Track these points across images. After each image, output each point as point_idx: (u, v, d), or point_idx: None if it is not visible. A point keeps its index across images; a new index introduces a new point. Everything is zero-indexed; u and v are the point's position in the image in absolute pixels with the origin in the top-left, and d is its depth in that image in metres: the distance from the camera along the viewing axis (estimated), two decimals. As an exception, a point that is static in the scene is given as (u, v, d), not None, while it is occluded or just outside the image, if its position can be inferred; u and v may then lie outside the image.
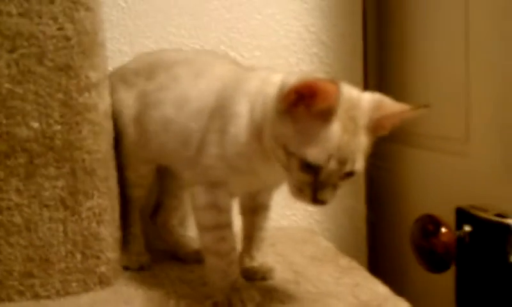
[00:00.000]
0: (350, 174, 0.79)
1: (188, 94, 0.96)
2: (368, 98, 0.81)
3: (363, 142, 0.78)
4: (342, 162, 0.76)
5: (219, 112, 0.90)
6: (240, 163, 0.87)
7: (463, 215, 1.05)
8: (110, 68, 1.09)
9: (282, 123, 0.78)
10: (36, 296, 0.95)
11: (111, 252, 1.01)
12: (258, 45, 1.31)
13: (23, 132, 0.93)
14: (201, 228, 0.91)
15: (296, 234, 1.30)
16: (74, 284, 0.97)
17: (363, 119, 0.78)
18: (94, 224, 0.98)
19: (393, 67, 1.42)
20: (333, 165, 0.76)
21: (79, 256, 0.97)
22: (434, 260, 1.07)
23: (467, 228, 1.04)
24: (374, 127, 0.80)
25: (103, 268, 0.99)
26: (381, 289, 0.96)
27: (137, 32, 1.24)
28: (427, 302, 1.21)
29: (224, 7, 1.30)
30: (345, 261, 1.10)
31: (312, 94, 0.74)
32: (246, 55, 1.30)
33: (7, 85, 0.91)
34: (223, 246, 0.90)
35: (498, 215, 1.01)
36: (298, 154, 0.76)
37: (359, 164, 0.78)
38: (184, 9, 1.27)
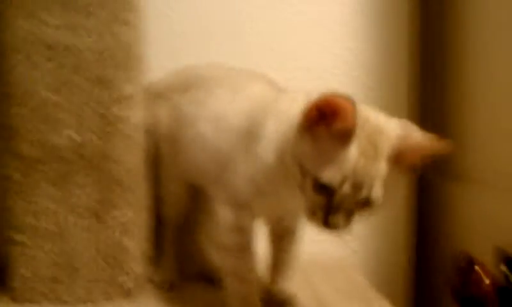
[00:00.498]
0: (367, 202, 0.75)
1: (224, 112, 0.95)
2: (394, 126, 0.77)
3: (382, 169, 0.74)
4: (357, 186, 0.73)
5: (249, 132, 0.89)
6: (265, 184, 0.86)
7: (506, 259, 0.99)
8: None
9: (302, 140, 0.76)
10: (60, 301, 0.97)
11: (135, 264, 1.02)
12: (298, 66, 1.30)
13: (57, 140, 0.96)
14: (223, 248, 0.90)
15: (328, 263, 1.26)
16: (97, 293, 0.98)
17: (386, 147, 0.74)
18: (118, 234, 0.99)
19: (441, 93, 1.36)
20: (347, 188, 0.73)
21: (104, 265, 0.99)
22: (469, 302, 1.00)
23: (502, 268, 0.98)
24: (398, 157, 0.75)
25: (126, 279, 1.00)
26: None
27: (179, 48, 1.26)
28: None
29: (267, 29, 1.29)
30: (373, 295, 1.05)
31: (333, 113, 0.72)
32: (287, 76, 1.28)
33: (44, 93, 0.95)
34: (243, 268, 0.88)
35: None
36: (312, 173, 0.74)
37: (376, 192, 0.74)
38: (227, 28, 1.28)
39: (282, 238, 1.00)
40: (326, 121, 0.74)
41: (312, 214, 0.76)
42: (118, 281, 0.99)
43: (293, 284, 1.03)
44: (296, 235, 1.01)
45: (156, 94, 1.09)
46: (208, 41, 1.27)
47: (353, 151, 0.73)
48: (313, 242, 1.30)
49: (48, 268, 0.97)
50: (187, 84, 1.05)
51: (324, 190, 0.74)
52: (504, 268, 0.98)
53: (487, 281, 0.93)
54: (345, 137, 0.73)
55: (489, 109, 1.17)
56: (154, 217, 1.10)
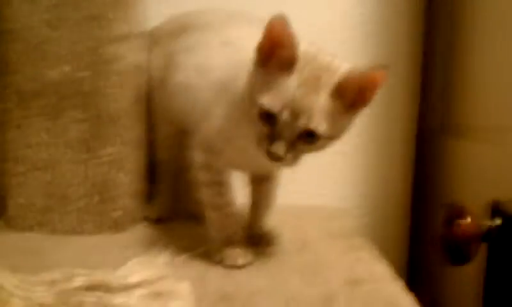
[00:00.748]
0: (309, 134, 0.77)
1: (210, 63, 0.97)
2: (342, 66, 0.79)
3: (323, 102, 0.76)
4: (296, 114, 0.76)
5: (226, 85, 0.91)
6: (234, 134, 0.89)
7: (497, 209, 1.00)
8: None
9: (255, 74, 0.80)
10: (52, 229, 1.02)
11: (128, 199, 1.05)
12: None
13: (53, 75, 0.99)
14: (200, 184, 0.93)
15: (324, 211, 1.28)
16: (89, 224, 1.03)
17: (329, 82, 0.77)
18: (113, 170, 1.03)
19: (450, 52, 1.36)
20: (286, 116, 0.76)
21: (96, 198, 1.02)
22: (452, 250, 1.02)
23: (497, 221, 0.99)
24: (342, 93, 0.77)
25: (118, 213, 1.04)
26: (379, 268, 0.93)
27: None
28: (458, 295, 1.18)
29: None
30: (359, 240, 1.07)
31: (277, 41, 0.76)
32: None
33: (41, 29, 0.98)
34: (219, 200, 0.92)
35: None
36: (256, 101, 0.78)
37: (317, 123, 0.76)
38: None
39: (261, 183, 1.03)
40: (272, 51, 0.77)
41: (258, 144, 0.80)
42: (109, 214, 1.03)
43: (281, 226, 1.06)
44: (274, 182, 1.03)
45: (153, 40, 1.11)
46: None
47: (294, 80, 0.76)
48: (313, 195, 1.35)
49: (42, 198, 1.01)
50: (180, 30, 1.06)
51: (268, 119, 0.77)
52: (497, 221, 1.00)
53: (464, 222, 0.95)
54: (287, 66, 0.76)
55: (485, 65, 1.17)
56: (149, 156, 1.13)
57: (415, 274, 1.40)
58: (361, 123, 1.28)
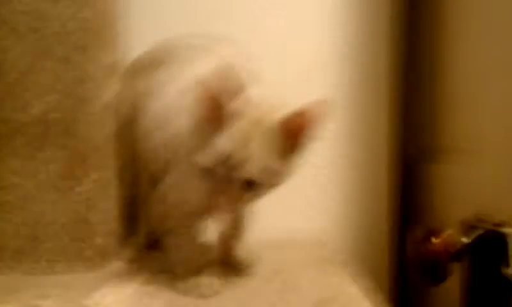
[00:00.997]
0: (250, 183, 0.80)
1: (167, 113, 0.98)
2: (280, 110, 0.82)
3: (261, 150, 0.79)
4: (232, 167, 0.78)
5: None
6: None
7: (467, 227, 1.01)
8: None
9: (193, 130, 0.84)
10: (25, 273, 1.01)
11: (99, 238, 1.05)
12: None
13: (23, 116, 1.01)
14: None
15: (302, 242, 1.28)
16: (60, 265, 1.02)
17: (266, 128, 0.80)
18: (82, 209, 1.03)
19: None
20: (222, 170, 0.79)
21: (66, 238, 1.03)
22: (424, 271, 1.02)
23: (464, 240, 1.00)
24: (280, 136, 0.80)
25: (88, 252, 1.04)
26: (350, 289, 0.93)
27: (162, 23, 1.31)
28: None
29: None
30: (333, 266, 1.07)
31: (213, 102, 0.79)
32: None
33: (11, 73, 1.00)
34: (187, 232, 0.94)
35: (497, 224, 0.96)
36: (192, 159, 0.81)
37: (256, 173, 0.79)
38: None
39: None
40: (208, 109, 0.80)
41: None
42: (81, 254, 1.03)
43: (256, 257, 1.06)
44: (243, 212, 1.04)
45: (126, 73, 1.13)
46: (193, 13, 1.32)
47: (229, 135, 0.79)
48: (292, 227, 1.35)
49: (14, 240, 1.01)
50: (150, 66, 1.09)
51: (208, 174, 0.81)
52: (464, 239, 1.00)
53: (435, 241, 0.96)
54: (223, 122, 0.79)
55: (468, 83, 1.20)
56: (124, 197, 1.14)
57: (406, 299, 1.38)
58: (341, 152, 1.33)
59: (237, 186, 0.80)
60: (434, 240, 1.00)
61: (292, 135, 0.80)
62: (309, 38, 1.35)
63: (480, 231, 0.97)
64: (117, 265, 1.07)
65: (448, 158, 1.24)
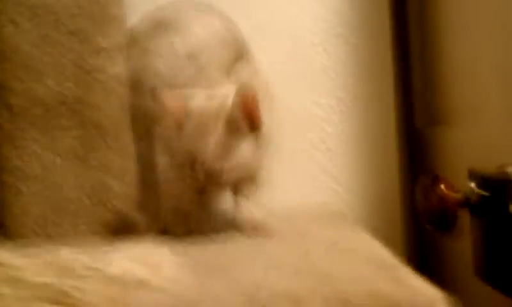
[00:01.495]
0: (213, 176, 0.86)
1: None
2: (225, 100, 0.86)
3: (215, 142, 0.84)
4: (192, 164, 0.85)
5: None
6: None
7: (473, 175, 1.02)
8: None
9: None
10: (49, 236, 1.06)
11: (119, 202, 1.10)
12: (280, 28, 1.37)
13: (40, 89, 1.07)
14: None
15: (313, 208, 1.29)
16: (82, 229, 1.07)
17: (216, 123, 0.85)
18: (101, 174, 1.08)
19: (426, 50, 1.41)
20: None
21: (87, 202, 1.07)
22: (432, 219, 1.04)
23: (472, 184, 1.01)
24: (230, 125, 0.85)
25: (109, 216, 1.08)
26: (362, 236, 0.95)
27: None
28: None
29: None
30: (346, 223, 1.10)
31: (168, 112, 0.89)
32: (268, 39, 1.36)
33: (27, 48, 1.06)
34: None
35: (502, 166, 0.97)
36: None
37: (215, 164, 0.84)
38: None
39: None
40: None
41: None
42: (102, 218, 1.08)
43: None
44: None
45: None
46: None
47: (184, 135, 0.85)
48: (304, 194, 1.38)
49: (37, 207, 1.06)
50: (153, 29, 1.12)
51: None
52: (472, 184, 1.01)
53: (450, 194, 0.96)
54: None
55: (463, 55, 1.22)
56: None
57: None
58: (347, 124, 1.36)
59: (201, 179, 0.85)
60: (441, 186, 1.02)
61: (247, 117, 0.86)
62: (305, 20, 1.39)
63: (485, 175, 0.99)
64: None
65: (454, 119, 1.26)
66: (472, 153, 1.16)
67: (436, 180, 1.04)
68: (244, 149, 0.87)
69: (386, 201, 1.39)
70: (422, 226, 1.36)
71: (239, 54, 1.06)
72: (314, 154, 1.37)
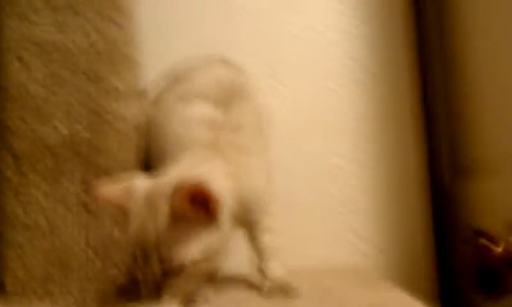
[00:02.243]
0: (170, 267, 0.77)
1: None
2: (164, 185, 0.79)
3: (163, 232, 0.76)
4: (145, 257, 0.76)
5: None
6: None
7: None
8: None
9: None
10: (55, 303, 0.94)
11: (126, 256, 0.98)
12: (298, 71, 1.30)
13: (47, 134, 0.96)
14: None
15: (342, 270, 1.20)
16: (93, 295, 0.95)
17: (161, 208, 0.76)
18: (108, 226, 0.97)
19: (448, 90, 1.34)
20: (140, 261, 0.77)
21: (98, 265, 0.96)
22: (485, 279, 0.95)
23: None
24: (177, 213, 0.77)
25: (116, 272, 0.96)
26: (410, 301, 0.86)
27: (174, 43, 1.28)
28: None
29: (263, 36, 1.31)
30: (384, 285, 1.00)
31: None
32: (285, 82, 1.28)
33: (34, 88, 0.96)
34: None
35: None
36: None
37: (170, 255, 0.76)
38: (222, 36, 1.29)
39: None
40: None
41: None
42: (113, 281, 0.96)
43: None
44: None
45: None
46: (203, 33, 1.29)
47: (131, 227, 0.78)
48: (328, 257, 1.29)
49: (40, 266, 0.95)
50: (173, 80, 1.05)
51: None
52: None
53: (496, 249, 0.88)
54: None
55: (494, 99, 1.15)
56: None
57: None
58: (372, 179, 1.27)
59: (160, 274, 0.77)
60: (493, 247, 0.93)
61: (198, 208, 0.77)
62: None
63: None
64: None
65: (480, 174, 1.19)
66: (499, 206, 1.08)
67: (479, 234, 0.96)
68: (203, 237, 0.78)
69: (418, 259, 1.30)
70: (457, 284, 1.28)
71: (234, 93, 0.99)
72: (338, 210, 1.28)
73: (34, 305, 0.93)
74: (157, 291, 0.77)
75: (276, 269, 0.96)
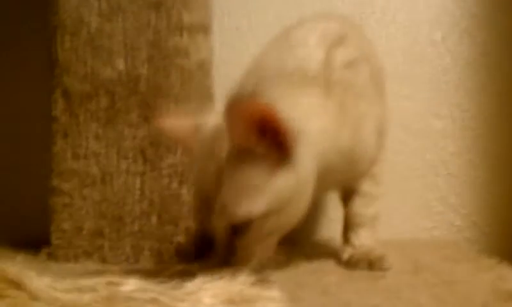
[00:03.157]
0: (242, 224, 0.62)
1: None
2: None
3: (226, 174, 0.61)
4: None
5: None
6: None
7: None
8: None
9: None
10: (104, 260, 0.83)
11: (192, 220, 0.86)
12: (393, 19, 1.12)
13: (107, 73, 0.85)
14: None
15: (434, 242, 1.05)
16: (146, 252, 0.83)
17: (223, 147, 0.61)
18: (175, 184, 0.84)
19: None
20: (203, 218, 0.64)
21: (154, 219, 0.84)
22: None
23: None
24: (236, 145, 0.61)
25: (180, 238, 0.84)
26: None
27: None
28: None
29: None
30: (491, 261, 0.82)
31: None
32: (378, 32, 1.12)
33: (95, 21, 0.85)
34: None
35: None
36: None
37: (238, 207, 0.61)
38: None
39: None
40: None
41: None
42: (170, 238, 0.84)
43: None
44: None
45: None
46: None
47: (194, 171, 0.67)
48: (416, 227, 1.12)
49: (90, 218, 0.84)
50: None
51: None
52: None
53: None
54: None
55: None
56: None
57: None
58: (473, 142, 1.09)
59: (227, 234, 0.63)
60: None
61: (263, 138, 0.60)
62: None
63: None
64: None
65: None
66: None
67: None
68: (273, 183, 0.62)
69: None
70: None
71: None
72: (433, 180, 1.10)
73: (81, 260, 0.82)
74: (226, 253, 0.64)
75: (365, 237, 0.81)
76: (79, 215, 0.84)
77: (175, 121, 0.71)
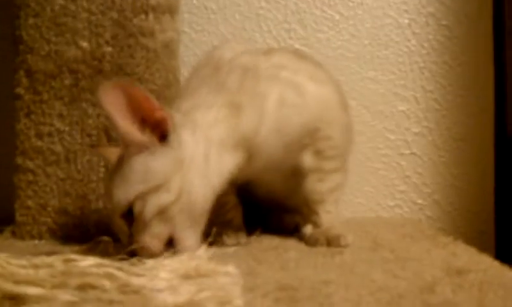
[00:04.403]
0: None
1: None
2: None
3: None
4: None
5: None
6: None
7: None
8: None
9: None
10: (69, 238, 0.84)
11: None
12: (361, 2, 1.13)
13: (71, 52, 0.85)
14: None
15: (394, 220, 1.08)
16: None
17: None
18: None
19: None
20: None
21: (119, 196, 0.84)
22: None
23: None
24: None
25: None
26: (484, 258, 0.71)
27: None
28: None
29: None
30: (447, 239, 0.85)
31: None
32: (346, 14, 1.13)
33: (60, 1, 0.85)
34: None
35: None
36: None
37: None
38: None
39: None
40: None
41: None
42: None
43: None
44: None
45: None
46: None
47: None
48: (379, 206, 1.15)
49: (54, 196, 0.84)
50: None
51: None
52: None
53: None
54: None
55: None
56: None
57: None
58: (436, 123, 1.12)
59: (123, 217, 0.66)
60: None
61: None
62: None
63: None
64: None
65: None
66: None
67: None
68: (148, 162, 0.66)
69: (478, 215, 1.14)
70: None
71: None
72: (396, 159, 1.13)
73: (45, 238, 0.83)
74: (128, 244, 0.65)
75: (325, 213, 0.83)
76: (43, 193, 0.84)
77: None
